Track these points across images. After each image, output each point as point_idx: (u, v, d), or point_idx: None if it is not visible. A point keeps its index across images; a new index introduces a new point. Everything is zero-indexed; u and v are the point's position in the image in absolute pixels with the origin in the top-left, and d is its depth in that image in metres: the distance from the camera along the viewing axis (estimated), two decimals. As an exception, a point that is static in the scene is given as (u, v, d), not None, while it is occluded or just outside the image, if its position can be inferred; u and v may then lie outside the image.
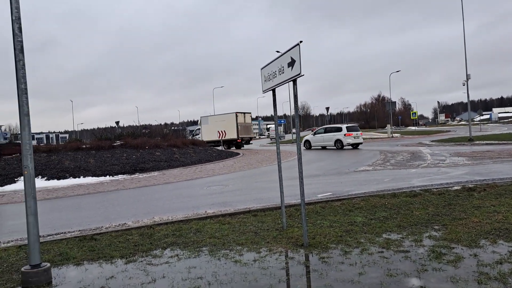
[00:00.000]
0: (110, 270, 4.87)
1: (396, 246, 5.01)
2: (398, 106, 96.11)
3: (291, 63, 5.05)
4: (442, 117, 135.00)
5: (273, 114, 6.45)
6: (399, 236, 5.44)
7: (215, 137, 35.94)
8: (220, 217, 7.41)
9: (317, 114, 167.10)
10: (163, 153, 23.35)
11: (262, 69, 6.38)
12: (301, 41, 4.82)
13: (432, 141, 29.87)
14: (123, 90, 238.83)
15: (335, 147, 27.01)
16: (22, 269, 4.63)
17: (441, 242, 5.01)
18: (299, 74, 4.92)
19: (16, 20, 4.67)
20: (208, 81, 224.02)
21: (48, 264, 4.72)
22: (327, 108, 62.55)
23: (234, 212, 7.70)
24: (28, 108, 4.76)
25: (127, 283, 4.39)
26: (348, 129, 27.12)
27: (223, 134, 35.85)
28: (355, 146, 27.01)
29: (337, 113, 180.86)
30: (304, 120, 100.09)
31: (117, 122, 55.60)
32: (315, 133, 29.56)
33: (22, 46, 4.70)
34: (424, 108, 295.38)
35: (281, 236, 5.85)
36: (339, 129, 27.39)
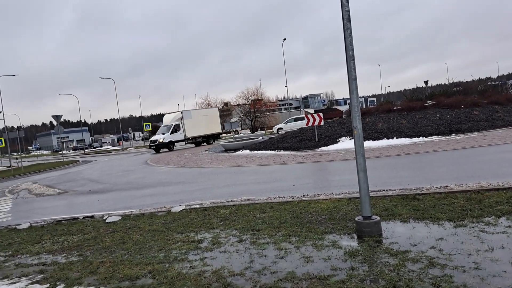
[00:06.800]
0: (438, 232, 4.74)
1: None
2: None
3: None
4: None
5: None
6: None
7: (199, 132, 36.32)
8: None
9: None
10: (482, 112, 20.75)
11: None
12: None
13: None
14: (453, 45, 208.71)
15: None
16: (356, 218, 5.16)
17: None
18: None
19: (343, -8, 5.04)
20: None
21: (378, 218, 5.06)
22: None
23: None
24: (355, 73, 5.13)
25: (460, 247, 4.14)
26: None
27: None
28: None
29: None
30: None
31: (426, 82, 53.63)
32: (286, 122, 39.12)
33: (349, 15, 5.05)
34: None
35: None
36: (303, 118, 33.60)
